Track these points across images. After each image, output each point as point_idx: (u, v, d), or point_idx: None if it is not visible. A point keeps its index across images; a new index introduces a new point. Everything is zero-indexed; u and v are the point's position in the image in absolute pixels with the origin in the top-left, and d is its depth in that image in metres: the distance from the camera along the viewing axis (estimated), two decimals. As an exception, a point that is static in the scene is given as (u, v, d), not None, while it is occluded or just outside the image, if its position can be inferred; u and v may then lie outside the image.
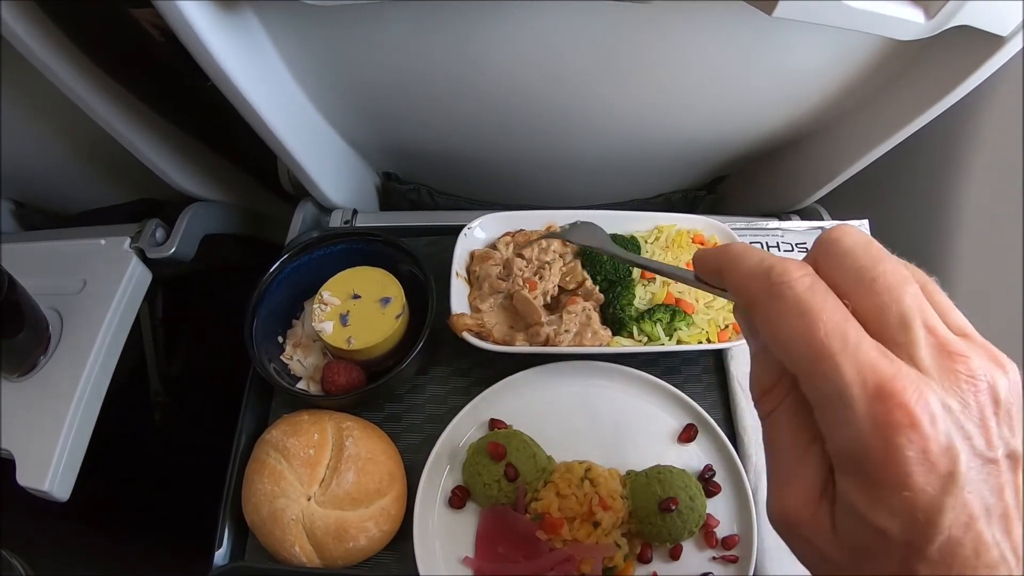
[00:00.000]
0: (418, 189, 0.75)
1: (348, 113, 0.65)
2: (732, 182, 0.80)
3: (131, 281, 0.68)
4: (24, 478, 0.60)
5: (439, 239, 0.61)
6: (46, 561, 0.74)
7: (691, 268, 0.30)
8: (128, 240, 0.70)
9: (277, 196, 0.75)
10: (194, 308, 1.00)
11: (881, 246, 0.25)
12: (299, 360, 0.59)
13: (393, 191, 0.75)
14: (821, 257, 0.25)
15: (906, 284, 0.24)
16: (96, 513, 0.88)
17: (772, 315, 0.24)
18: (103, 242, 0.70)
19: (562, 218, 0.62)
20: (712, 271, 0.28)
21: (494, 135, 0.67)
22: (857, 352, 0.22)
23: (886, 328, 0.23)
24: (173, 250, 0.68)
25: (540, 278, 0.58)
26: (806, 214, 0.73)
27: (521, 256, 0.59)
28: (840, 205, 0.73)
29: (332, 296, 0.57)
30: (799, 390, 0.25)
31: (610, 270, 0.58)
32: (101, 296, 0.67)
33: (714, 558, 0.54)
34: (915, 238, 0.72)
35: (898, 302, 0.23)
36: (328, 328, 0.56)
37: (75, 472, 0.63)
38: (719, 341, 0.57)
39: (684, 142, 0.68)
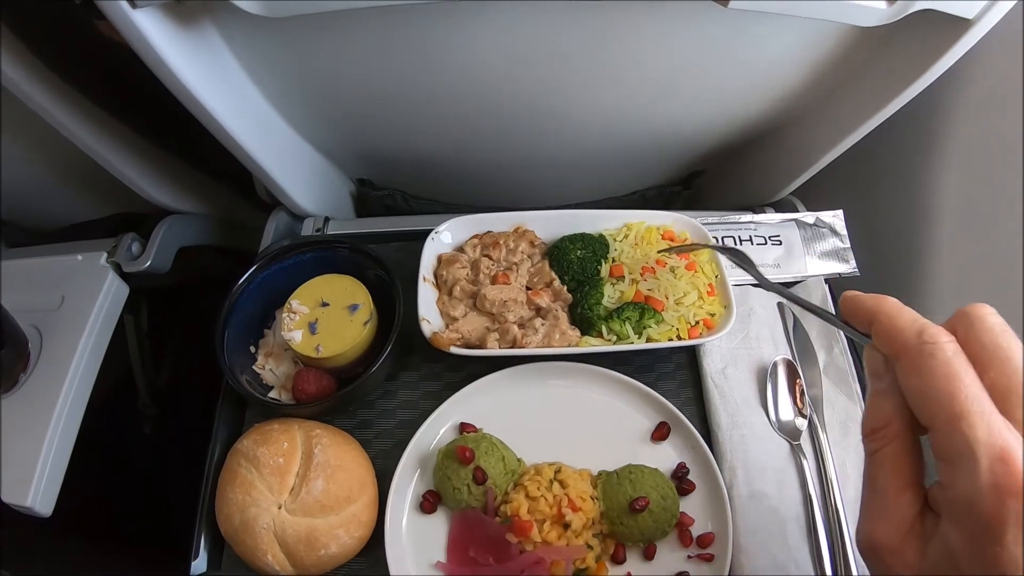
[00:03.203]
0: (393, 195, 0.75)
1: (316, 122, 0.66)
2: (708, 177, 0.79)
3: (108, 295, 0.69)
4: (7, 495, 0.60)
5: (409, 244, 0.61)
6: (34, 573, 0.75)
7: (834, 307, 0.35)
8: (104, 255, 0.70)
9: (254, 206, 0.76)
10: (179, 319, 1.01)
11: (1012, 332, 0.29)
12: (271, 369, 0.59)
13: (368, 197, 0.75)
14: (961, 327, 0.29)
15: None
16: (85, 526, 0.88)
17: (920, 369, 0.28)
18: (80, 258, 0.71)
19: (530, 219, 0.61)
20: (864, 316, 0.32)
21: (465, 137, 0.67)
22: (990, 419, 0.26)
23: (1009, 405, 0.27)
24: (149, 263, 0.69)
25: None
26: (781, 206, 0.73)
27: (488, 257, 0.59)
28: (815, 197, 0.72)
29: (301, 304, 0.57)
30: (906, 435, 0.30)
31: (578, 270, 0.58)
32: (79, 311, 0.68)
33: (689, 557, 0.53)
34: (890, 227, 0.71)
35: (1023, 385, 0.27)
36: (297, 337, 0.56)
37: (57, 487, 0.64)
38: (689, 338, 0.57)
39: (656, 137, 0.68)
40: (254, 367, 0.59)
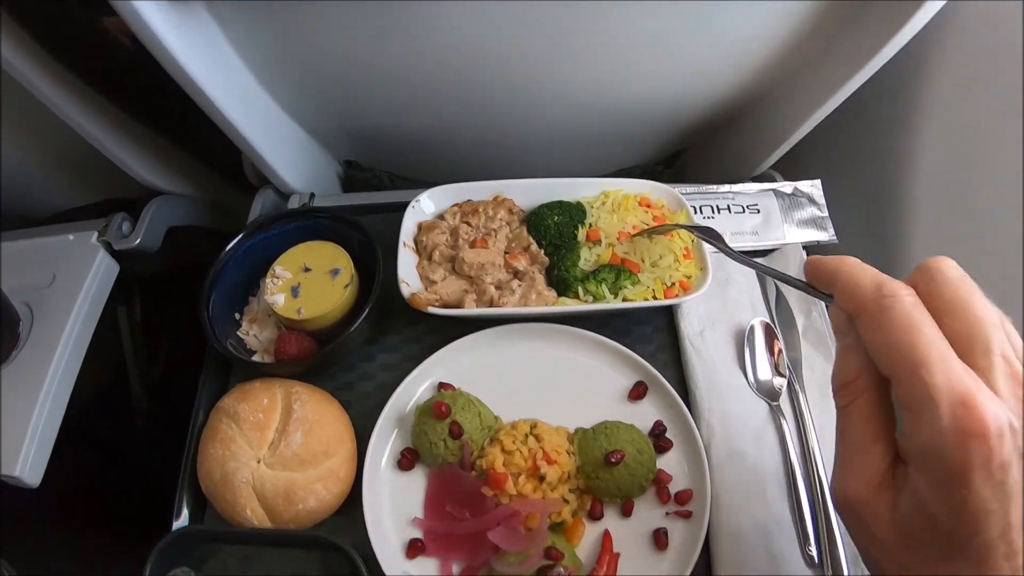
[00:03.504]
0: (379, 176, 0.77)
1: (304, 101, 0.67)
2: (690, 155, 0.81)
3: (98, 273, 0.70)
4: (-4, 465, 0.61)
5: (391, 216, 0.62)
6: (33, 565, 0.75)
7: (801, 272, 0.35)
8: (95, 234, 0.72)
9: (242, 191, 0.77)
10: (172, 309, 1.02)
11: (972, 282, 0.29)
12: (255, 335, 0.60)
13: (355, 179, 0.77)
14: (922, 281, 0.29)
15: (992, 317, 0.28)
16: (78, 516, 0.89)
17: (879, 323, 0.28)
18: (71, 237, 0.73)
19: (509, 188, 0.63)
20: (826, 277, 0.32)
21: (449, 114, 0.69)
22: (948, 366, 0.26)
23: (970, 352, 0.27)
24: (138, 241, 0.70)
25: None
26: (761, 180, 0.74)
27: (468, 224, 0.60)
28: (794, 170, 0.73)
29: (284, 270, 0.59)
30: (874, 390, 0.30)
31: (555, 235, 0.59)
32: (69, 289, 0.69)
33: (668, 513, 0.53)
34: (869, 198, 0.72)
35: (983, 332, 0.28)
36: (280, 300, 0.57)
37: (45, 459, 0.64)
38: (665, 298, 0.57)
39: (634, 111, 0.70)
40: (238, 333, 0.60)
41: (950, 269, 0.29)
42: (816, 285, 0.33)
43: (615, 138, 0.75)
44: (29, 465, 0.62)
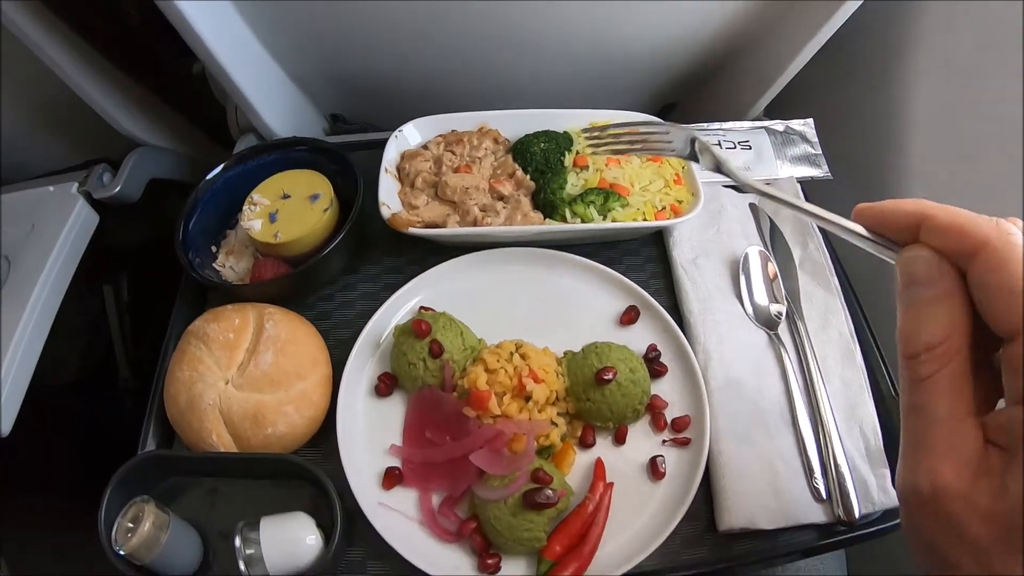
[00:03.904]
0: (365, 129, 0.76)
1: (292, 48, 0.67)
2: (681, 109, 0.80)
3: (77, 221, 0.69)
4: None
5: (375, 152, 0.61)
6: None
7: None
8: (76, 185, 0.70)
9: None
10: (159, 288, 1.00)
11: None
12: (231, 267, 0.58)
13: (341, 132, 0.76)
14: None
15: None
16: (64, 500, 0.85)
17: (1005, 260, 0.23)
18: (52, 189, 0.71)
19: (494, 119, 0.61)
20: (909, 218, 0.27)
21: (435, 61, 0.68)
22: None
23: None
24: (118, 189, 0.69)
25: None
26: (753, 123, 0.73)
27: (452, 152, 0.58)
28: (787, 115, 0.72)
29: (262, 197, 0.57)
30: (967, 353, 0.25)
31: (541, 161, 0.58)
32: (47, 237, 0.68)
33: (664, 441, 0.50)
34: (863, 136, 0.70)
35: None
36: (257, 226, 0.55)
37: (16, 408, 0.61)
38: (656, 221, 0.55)
39: (626, 58, 0.69)
40: (214, 264, 0.58)
41: None
42: (887, 232, 0.28)
43: (606, 88, 0.74)
44: (2, 415, 0.59)
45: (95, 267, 0.77)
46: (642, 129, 0.45)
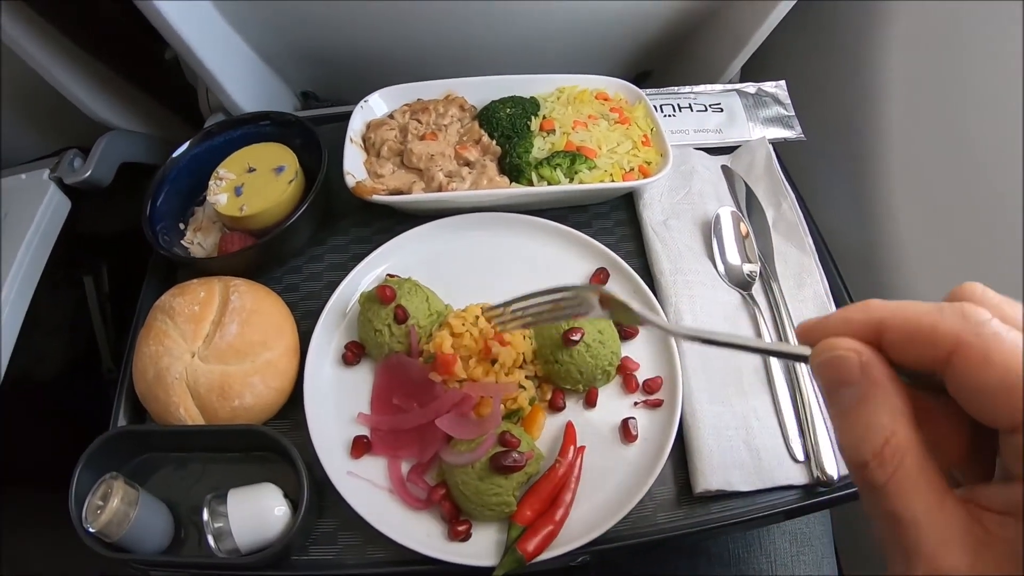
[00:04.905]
0: (335, 106, 0.75)
1: (259, 24, 0.66)
2: (657, 76, 0.79)
3: (49, 207, 0.69)
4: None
5: (341, 124, 0.60)
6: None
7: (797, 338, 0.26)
8: (47, 171, 0.70)
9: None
10: (140, 279, 1.00)
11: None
12: (199, 243, 0.57)
13: (311, 109, 0.75)
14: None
15: None
16: (53, 492, 0.85)
17: (988, 357, 0.21)
18: (23, 176, 0.71)
19: (461, 86, 0.61)
20: (865, 326, 0.24)
21: (405, 31, 0.67)
22: None
23: None
24: (88, 173, 0.68)
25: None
26: (727, 88, 0.72)
27: (418, 120, 0.58)
28: (763, 78, 0.71)
29: (228, 172, 0.56)
30: (917, 438, 0.23)
31: (507, 126, 0.57)
32: (20, 224, 0.67)
33: (636, 403, 0.50)
34: (837, 99, 0.70)
35: None
36: (223, 200, 0.55)
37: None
38: (624, 182, 0.55)
39: (599, 26, 0.68)
40: (182, 241, 0.58)
41: (989, 291, 0.23)
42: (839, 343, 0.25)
43: (580, 57, 0.73)
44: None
45: (74, 259, 0.77)
46: (543, 299, 0.39)
